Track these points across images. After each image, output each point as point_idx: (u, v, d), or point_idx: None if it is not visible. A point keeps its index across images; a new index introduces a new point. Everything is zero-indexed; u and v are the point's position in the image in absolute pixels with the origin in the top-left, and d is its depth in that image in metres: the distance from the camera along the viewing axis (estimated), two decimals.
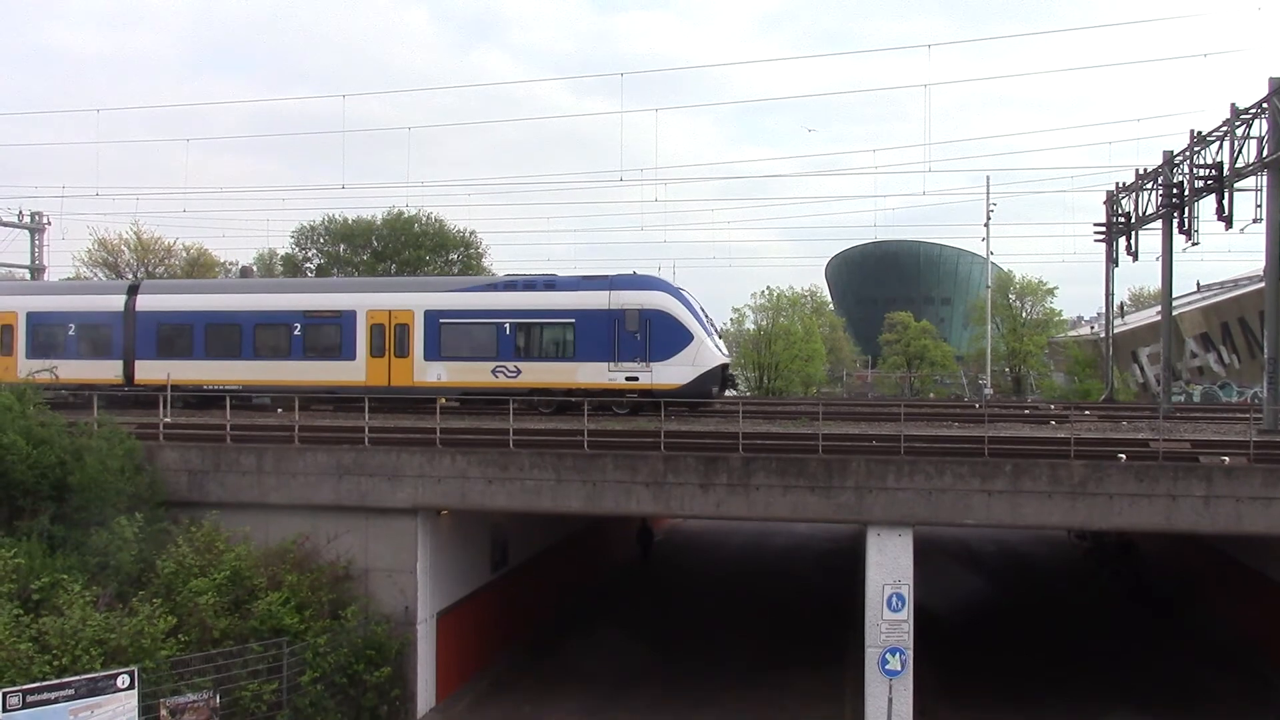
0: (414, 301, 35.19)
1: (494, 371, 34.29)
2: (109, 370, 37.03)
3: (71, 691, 19.81)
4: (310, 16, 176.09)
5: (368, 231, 70.56)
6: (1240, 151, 31.62)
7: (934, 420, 31.69)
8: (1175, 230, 37.20)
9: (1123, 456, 23.59)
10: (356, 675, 23.62)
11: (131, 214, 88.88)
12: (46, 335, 37.83)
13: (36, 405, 26.78)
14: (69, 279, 64.58)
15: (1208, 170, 33.76)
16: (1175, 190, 36.86)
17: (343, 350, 35.40)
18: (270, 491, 26.25)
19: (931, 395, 73.83)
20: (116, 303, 37.62)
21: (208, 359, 36.47)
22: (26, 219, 60.08)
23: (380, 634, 24.38)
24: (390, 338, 35.01)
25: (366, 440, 26.50)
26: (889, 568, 23.74)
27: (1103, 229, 45.56)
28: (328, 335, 35.67)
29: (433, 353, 34.72)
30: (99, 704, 20.02)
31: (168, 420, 29.07)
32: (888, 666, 23.33)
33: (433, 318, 34.84)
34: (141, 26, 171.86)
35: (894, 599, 23.55)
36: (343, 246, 71.48)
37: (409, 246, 69.55)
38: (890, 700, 23.40)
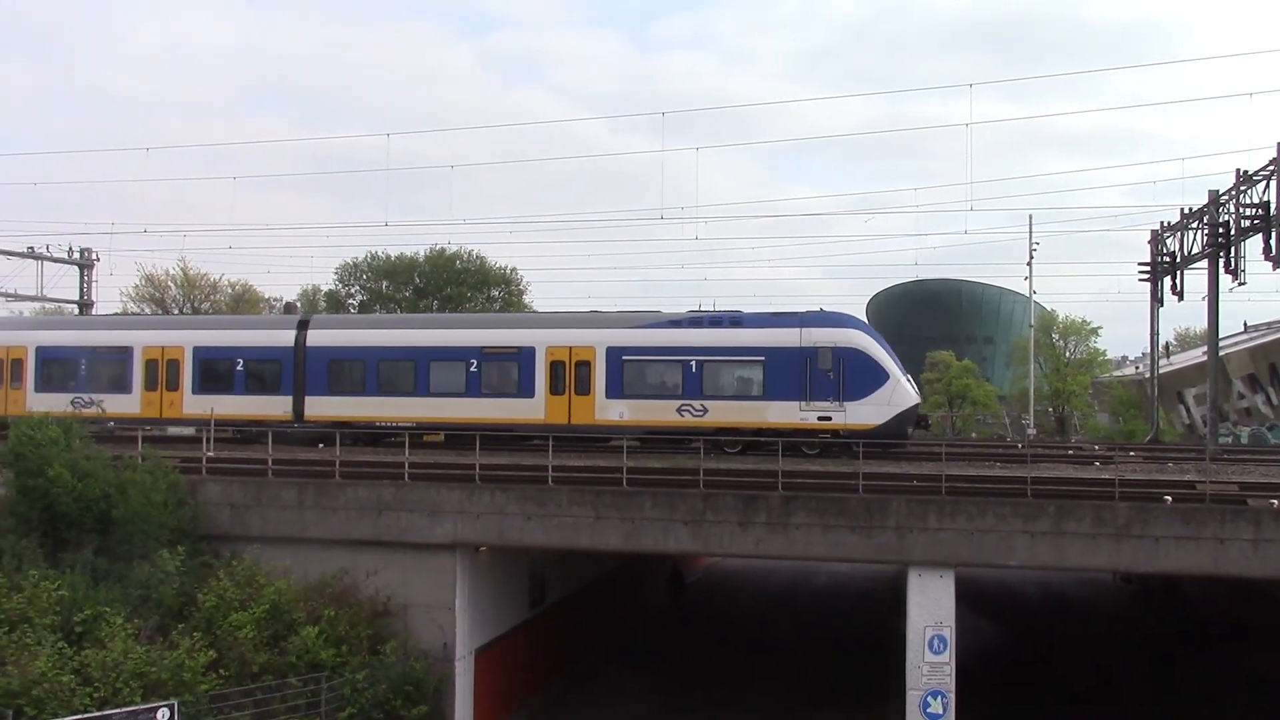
0: (596, 338, 34.12)
1: (679, 410, 33.22)
2: (277, 406, 36.16)
3: None
4: (355, 56, 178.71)
5: (410, 268, 70.98)
6: None
7: (976, 460, 31.40)
8: (1221, 270, 36.81)
9: (1168, 498, 23.25)
10: (394, 711, 23.58)
11: (178, 250, 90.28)
12: (212, 371, 36.99)
13: (82, 439, 27.08)
14: (229, 314, 65.15)
15: (1254, 209, 33.47)
16: (1221, 229, 36.52)
17: (521, 388, 34.43)
18: (310, 526, 26.38)
19: (974, 435, 73.18)
20: (286, 338, 36.70)
21: (380, 395, 35.56)
22: (76, 255, 60.90)
23: (418, 670, 24.34)
24: (570, 375, 34.01)
25: (406, 476, 26.58)
26: (930, 609, 23.48)
27: (1147, 268, 45.17)
28: (506, 372, 34.79)
29: (615, 390, 33.71)
30: None
31: (210, 454, 29.30)
32: (929, 710, 23.05)
33: (615, 355, 33.80)
34: (189, 66, 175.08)
35: (935, 641, 23.29)
36: (385, 283, 71.99)
37: (451, 283, 69.90)
38: None
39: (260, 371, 36.77)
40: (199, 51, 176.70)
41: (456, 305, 66.88)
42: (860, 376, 32.21)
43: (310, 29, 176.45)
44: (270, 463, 28.18)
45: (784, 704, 30.22)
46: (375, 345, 36.09)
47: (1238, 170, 35.24)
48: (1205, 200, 38.56)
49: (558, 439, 29.61)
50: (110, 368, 37.59)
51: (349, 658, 23.73)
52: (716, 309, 35.70)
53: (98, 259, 61.96)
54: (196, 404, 35.93)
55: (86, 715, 19.97)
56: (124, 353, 37.52)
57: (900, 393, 32.40)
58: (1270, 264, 32.44)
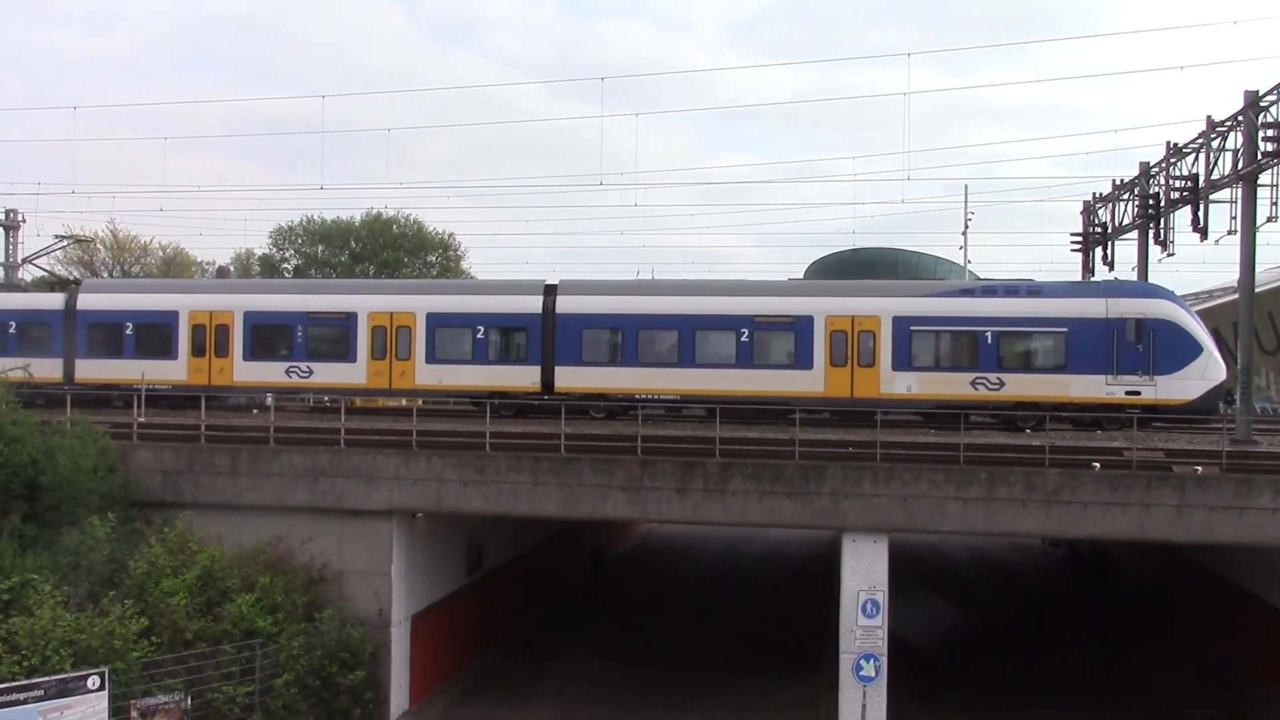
0: (881, 307, 32.43)
1: (973, 383, 31.76)
2: (523, 377, 34.00)
3: (41, 692, 19.65)
4: (287, 16, 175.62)
5: (346, 232, 70.30)
6: (1216, 164, 31.92)
7: (910, 427, 31.76)
8: (1151, 241, 37.49)
9: (1097, 465, 23.70)
10: (330, 678, 23.50)
11: (108, 212, 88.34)
12: (448, 339, 34.61)
13: (9, 404, 26.55)
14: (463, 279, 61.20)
15: (1184, 182, 34.05)
16: (1151, 201, 37.19)
17: (798, 359, 32.62)
18: (244, 493, 26.11)
19: None
20: (533, 304, 34.29)
21: (639, 366, 33.48)
22: (0, 216, 59.48)
23: (354, 637, 24.25)
24: (853, 346, 32.30)
25: (343, 442, 26.38)
26: (864, 574, 23.79)
27: (1079, 239, 45.88)
28: (780, 343, 32.99)
29: (902, 362, 32.04)
30: (69, 705, 19.87)
31: (141, 420, 28.85)
32: (862, 673, 23.37)
33: (903, 325, 32.12)
34: (120, 26, 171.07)
35: (869, 605, 23.60)
36: (321, 247, 71.20)
37: (387, 248, 69.33)
38: (864, 706, 23.45)
39: (503, 340, 34.55)
40: (128, 10, 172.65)
41: (393, 270, 66.36)
42: (1172, 349, 31.05)
43: None
44: (204, 429, 27.82)
45: (721, 667, 30.52)
46: (634, 313, 33.81)
47: (1168, 143, 35.84)
48: (1136, 172, 39.16)
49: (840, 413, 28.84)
50: (330, 335, 35.06)
51: (284, 625, 23.58)
52: (1010, 278, 34.29)
53: (23, 220, 60.52)
54: (430, 374, 34.16)
55: (15, 684, 19.66)
56: (347, 319, 34.83)
57: (1213, 366, 31.18)
58: (1198, 236, 33.05)
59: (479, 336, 34.27)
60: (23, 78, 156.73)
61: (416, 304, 34.78)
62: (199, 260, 75.40)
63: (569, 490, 24.93)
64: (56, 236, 44.72)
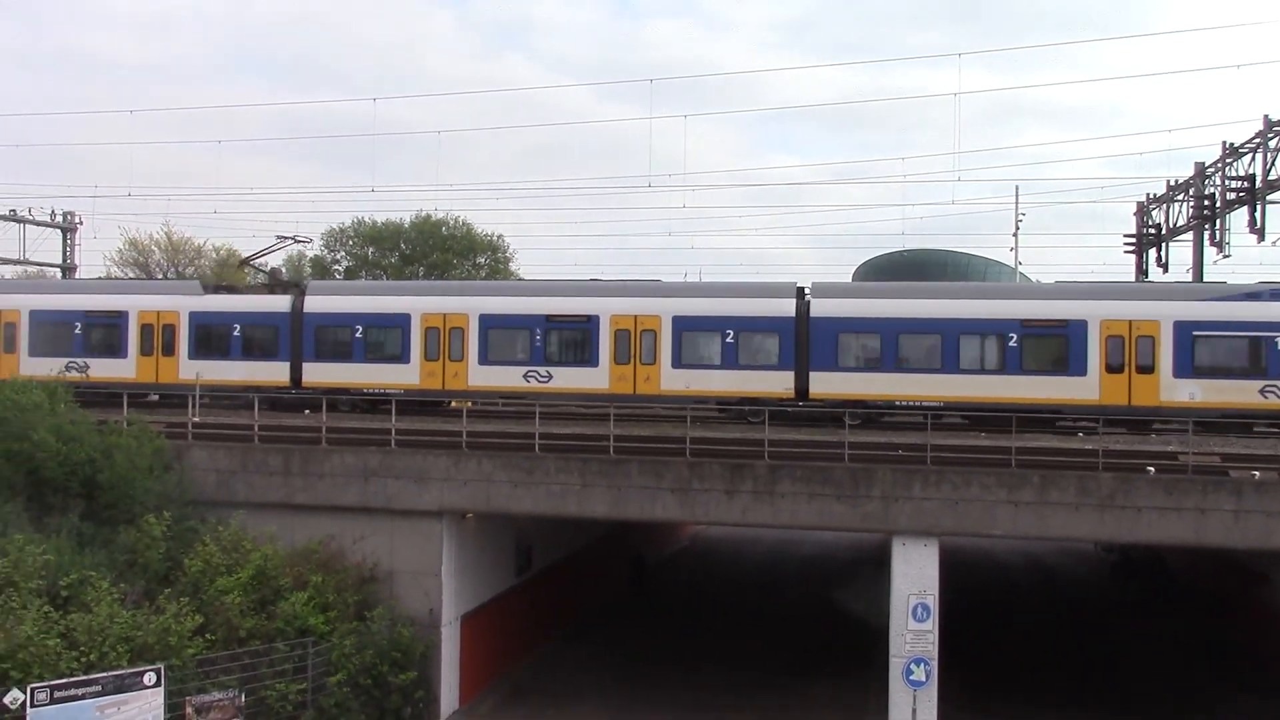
0: (1161, 311, 30.98)
1: (1262, 391, 30.37)
2: (776, 383, 32.57)
3: (99, 688, 20.01)
4: (338, 20, 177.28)
5: (396, 234, 70.81)
6: (1273, 164, 31.47)
7: (961, 430, 31.52)
8: (1207, 242, 36.98)
9: (1151, 469, 23.42)
10: (381, 677, 23.68)
11: (163, 214, 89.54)
12: (694, 343, 33.44)
13: (67, 403, 26.98)
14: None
15: (1240, 182, 33.58)
16: (1207, 202, 36.68)
17: (1070, 365, 31.40)
18: (297, 492, 26.38)
19: None
20: (784, 307, 32.99)
21: (898, 371, 32.27)
22: (59, 218, 60.50)
23: (405, 636, 24.43)
24: (1131, 351, 31.01)
25: (393, 442, 26.59)
26: (914, 577, 23.64)
27: (1133, 240, 45.35)
28: (1051, 348, 31.78)
29: (1184, 369, 30.73)
30: (125, 701, 20.21)
31: (196, 420, 29.24)
32: (912, 677, 23.23)
33: (1184, 329, 30.75)
34: (174, 30, 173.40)
35: (919, 609, 23.45)
36: (371, 250, 71.77)
37: (437, 249, 69.76)
38: (914, 711, 23.30)
39: (753, 344, 33.26)
40: (181, 16, 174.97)
41: (443, 272, 66.73)
42: None
43: None
44: (256, 429, 28.15)
45: (768, 670, 30.44)
46: (893, 317, 32.49)
47: (1224, 143, 35.35)
48: (1191, 173, 38.67)
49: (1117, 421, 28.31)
50: (571, 339, 34.21)
51: (336, 624, 23.81)
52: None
53: (81, 222, 61.56)
54: (676, 379, 33.08)
55: (74, 679, 20.00)
56: (588, 322, 33.90)
57: None
58: (1255, 236, 32.60)
59: (728, 340, 33.12)
60: (78, 82, 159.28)
61: (662, 307, 33.66)
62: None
63: (618, 492, 24.97)
64: (279, 237, 43.72)
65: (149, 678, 20.57)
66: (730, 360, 33.03)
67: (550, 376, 33.81)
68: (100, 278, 62.69)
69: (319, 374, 35.30)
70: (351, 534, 25.88)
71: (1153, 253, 43.90)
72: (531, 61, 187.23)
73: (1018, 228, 61.83)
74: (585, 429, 29.20)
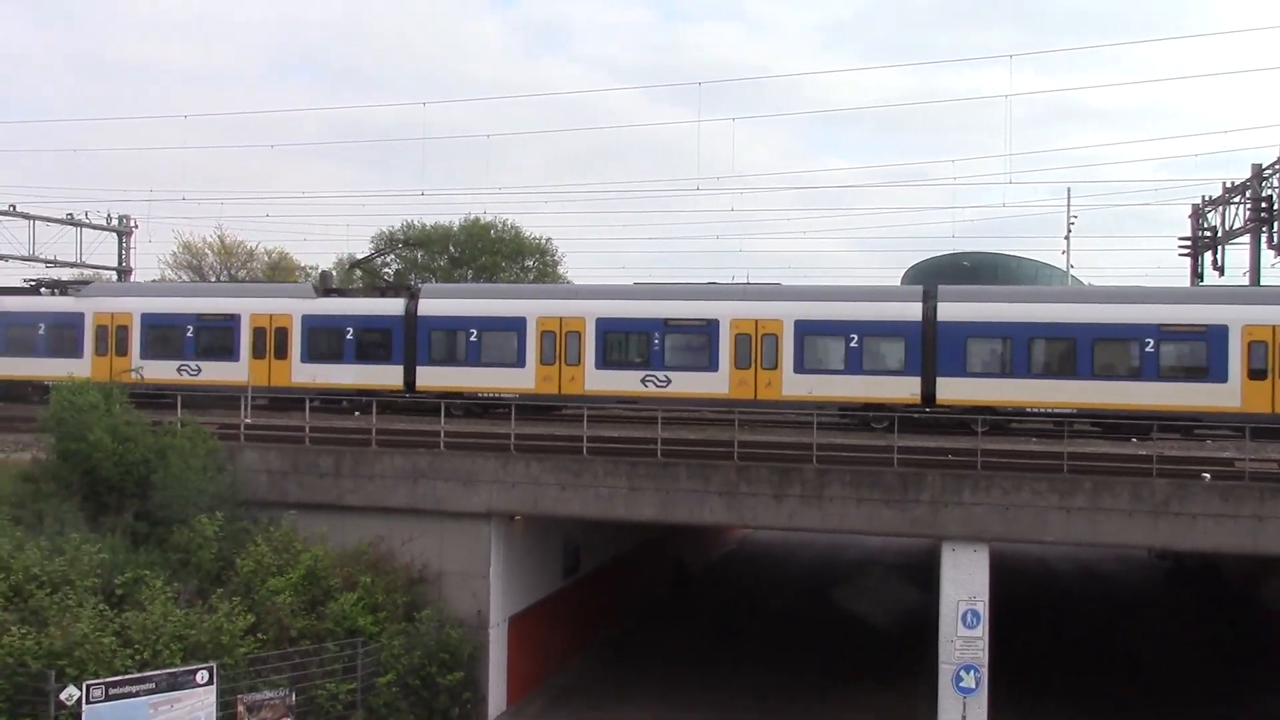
0: None
1: None
2: (901, 388, 32.02)
3: (152, 685, 20.27)
4: (386, 25, 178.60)
5: (445, 238, 71.22)
6: None
7: (1011, 434, 31.22)
8: (1264, 245, 36.41)
9: (1207, 476, 23.07)
10: (430, 678, 23.80)
11: (216, 218, 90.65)
12: (817, 347, 32.91)
13: (122, 404, 27.36)
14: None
15: None
16: (1264, 204, 36.12)
17: (1210, 371, 30.51)
18: (347, 493, 26.59)
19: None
20: (911, 311, 32.43)
21: (1030, 377, 31.58)
22: (114, 222, 61.38)
23: (453, 637, 24.54)
24: (1276, 357, 30.04)
25: (442, 444, 26.73)
26: (964, 583, 23.44)
27: (1188, 243, 44.75)
28: (1189, 353, 30.82)
29: None
30: (178, 698, 20.46)
31: (248, 421, 29.55)
32: (962, 684, 23.04)
33: None
34: (224, 35, 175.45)
35: (969, 615, 23.26)
36: (420, 253, 72.25)
37: (486, 253, 70.11)
38: (964, 718, 23.11)
39: (878, 348, 32.64)
40: (231, 21, 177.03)
41: (491, 275, 67.04)
42: None
43: (340, 1, 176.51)
44: (308, 430, 28.41)
45: (815, 675, 30.32)
46: (1024, 321, 31.82)
47: None
48: (1248, 174, 38.12)
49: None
50: (690, 344, 33.73)
51: (385, 624, 23.97)
52: None
53: (136, 226, 62.40)
54: (799, 384, 32.50)
55: (128, 676, 20.27)
56: (708, 326, 33.35)
57: None
58: None
59: (852, 345, 32.52)
60: (133, 87, 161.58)
61: (784, 310, 33.05)
62: (302, 265, 76.99)
63: (665, 495, 24.96)
64: (389, 241, 43.35)
65: (201, 676, 20.81)
66: (854, 365, 32.47)
67: (669, 381, 33.43)
68: (209, 281, 63.43)
69: (433, 378, 35.16)
70: (401, 535, 26.03)
71: (1208, 255, 43.31)
72: (578, 65, 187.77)
73: (1070, 230, 61.30)
74: (633, 431, 29.23)
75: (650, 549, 38.70)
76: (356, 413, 33.99)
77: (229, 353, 36.94)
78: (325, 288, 39.64)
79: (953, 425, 30.75)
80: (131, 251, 62.65)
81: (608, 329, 34.11)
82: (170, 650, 21.26)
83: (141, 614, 21.85)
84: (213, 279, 72.44)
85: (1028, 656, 30.24)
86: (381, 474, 26.41)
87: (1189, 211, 45.19)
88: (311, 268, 74.98)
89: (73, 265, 60.05)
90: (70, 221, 58.06)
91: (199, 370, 36.86)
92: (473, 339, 35.10)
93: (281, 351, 36.49)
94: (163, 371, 36.52)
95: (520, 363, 34.50)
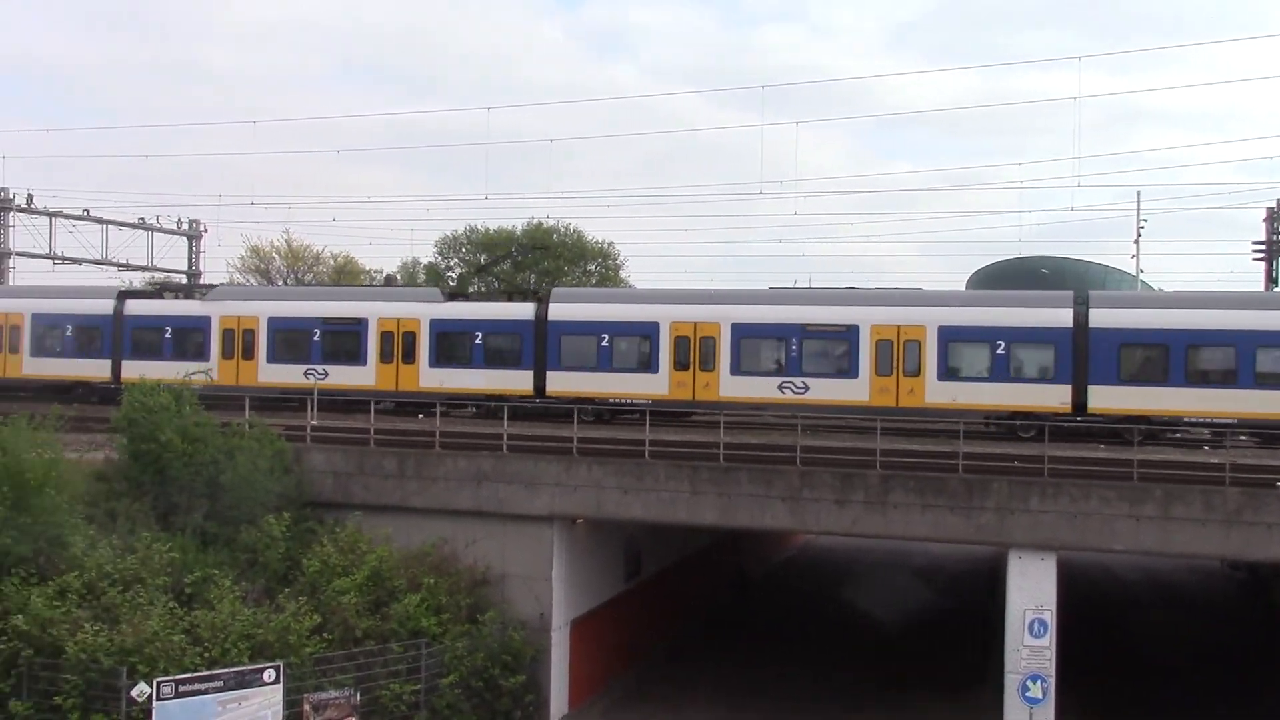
0: None
1: None
2: (1050, 396, 31.15)
3: (221, 683, 20.54)
4: (452, 31, 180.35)
5: (509, 241, 71.59)
6: None
7: (1079, 441, 30.77)
8: None
9: None
10: (492, 679, 23.92)
11: (283, 222, 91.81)
12: (961, 354, 32.19)
13: (192, 405, 27.77)
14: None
15: None
16: None
17: None
18: (411, 495, 26.79)
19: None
20: (1061, 317, 31.47)
21: (1186, 386, 30.61)
22: (185, 226, 62.47)
23: (516, 640, 24.65)
24: None
25: (505, 448, 26.86)
26: (1031, 592, 23.13)
27: (1262, 247, 43.90)
28: None
29: None
30: (246, 696, 20.72)
31: (314, 423, 29.88)
32: (1028, 694, 22.75)
33: None
34: (290, 42, 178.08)
35: (1036, 624, 22.95)
36: (483, 256, 72.66)
37: (548, 257, 70.35)
38: None
39: (1026, 355, 31.80)
40: (299, 27, 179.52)
41: (554, 279, 67.28)
42: None
43: (401, 4, 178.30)
44: (373, 432, 28.67)
45: (878, 683, 30.05)
46: (1183, 328, 30.81)
47: None
48: None
49: None
50: (831, 350, 33.16)
51: (449, 626, 24.11)
52: None
53: (205, 230, 63.56)
54: (943, 391, 31.81)
55: (197, 674, 20.57)
56: (848, 332, 32.71)
57: None
58: None
59: (999, 352, 31.75)
60: (203, 93, 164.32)
61: (927, 316, 32.38)
62: (367, 269, 77.74)
63: (727, 500, 24.89)
64: (531, 247, 42.65)
65: (269, 675, 21.06)
66: (1001, 372, 31.68)
67: (806, 388, 32.75)
68: (338, 284, 64.17)
69: (563, 383, 34.71)
70: (464, 537, 26.18)
71: None
72: (640, 69, 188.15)
73: (1139, 234, 60.34)
74: (696, 435, 29.19)
75: (711, 553, 38.61)
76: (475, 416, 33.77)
77: (356, 357, 36.78)
78: (450, 291, 39.51)
79: (1104, 435, 30.08)
80: (201, 255, 63.83)
81: (744, 334, 33.52)
82: (238, 649, 21.54)
83: (210, 613, 22.18)
84: (280, 282, 73.36)
85: (1095, 667, 29.77)
86: (445, 476, 26.58)
87: (1264, 215, 44.33)
88: (376, 271, 75.74)
89: (144, 269, 61.25)
90: (142, 226, 59.25)
91: (325, 374, 36.72)
92: (604, 344, 34.60)
93: (409, 356, 36.20)
94: (289, 376, 36.79)
95: (653, 368, 34.08)
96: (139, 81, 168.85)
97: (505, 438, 27.20)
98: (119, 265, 59.03)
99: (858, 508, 24.22)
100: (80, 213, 55.95)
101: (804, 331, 32.89)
